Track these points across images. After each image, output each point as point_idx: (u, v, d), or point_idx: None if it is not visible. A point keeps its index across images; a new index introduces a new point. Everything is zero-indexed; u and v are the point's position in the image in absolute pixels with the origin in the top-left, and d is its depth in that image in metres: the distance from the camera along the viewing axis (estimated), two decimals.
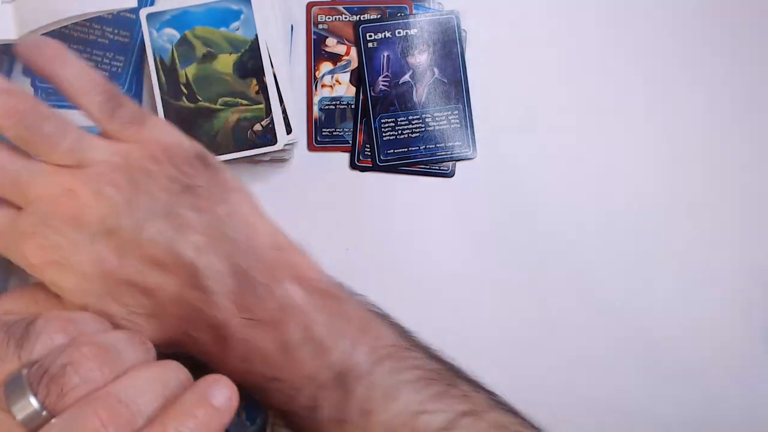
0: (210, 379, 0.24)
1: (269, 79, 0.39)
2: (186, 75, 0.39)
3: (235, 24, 0.39)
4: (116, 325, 0.30)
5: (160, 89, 0.39)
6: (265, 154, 0.40)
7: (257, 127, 0.39)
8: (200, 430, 0.22)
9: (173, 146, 0.32)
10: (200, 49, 0.39)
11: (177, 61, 0.39)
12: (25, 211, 0.30)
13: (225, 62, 0.39)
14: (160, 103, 0.39)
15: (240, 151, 0.39)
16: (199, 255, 0.30)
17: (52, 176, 0.30)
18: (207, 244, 0.30)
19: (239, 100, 0.39)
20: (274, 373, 0.30)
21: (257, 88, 0.39)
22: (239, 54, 0.39)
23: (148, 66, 0.39)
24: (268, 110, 0.39)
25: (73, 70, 0.31)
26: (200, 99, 0.39)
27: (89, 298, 0.30)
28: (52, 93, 0.42)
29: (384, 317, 0.32)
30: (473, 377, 0.33)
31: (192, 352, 0.31)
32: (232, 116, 0.39)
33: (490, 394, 0.32)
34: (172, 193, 0.31)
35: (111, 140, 0.32)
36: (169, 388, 0.24)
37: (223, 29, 0.39)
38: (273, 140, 0.39)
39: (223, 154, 0.39)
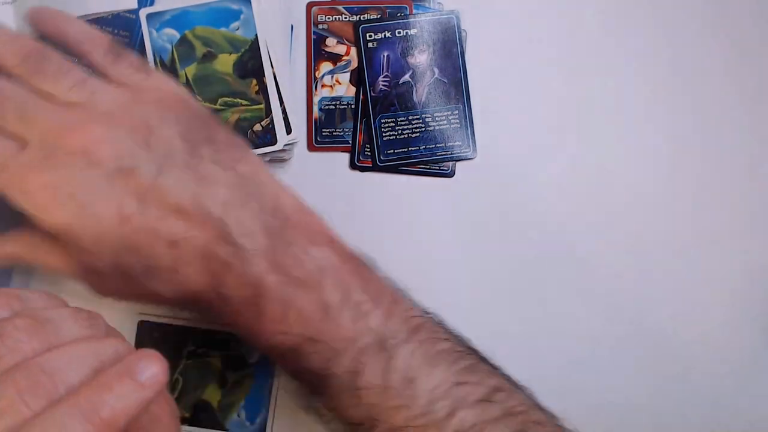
0: (141, 353, 0.23)
1: (269, 79, 0.39)
2: (186, 75, 0.39)
3: (235, 24, 0.39)
4: (131, 279, 0.28)
5: None
6: (265, 154, 0.40)
7: (257, 127, 0.39)
8: (117, 403, 0.22)
9: (186, 97, 0.31)
10: (200, 49, 0.39)
11: (177, 61, 0.39)
12: (30, 144, 0.28)
13: (225, 62, 0.39)
14: None
15: None
16: (226, 210, 0.29)
17: (59, 111, 0.29)
18: (234, 201, 0.29)
19: (239, 100, 0.39)
20: (313, 335, 0.29)
21: (257, 88, 0.39)
22: (239, 54, 0.39)
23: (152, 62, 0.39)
24: (268, 110, 0.39)
25: (77, 27, 0.31)
26: (200, 99, 0.39)
27: (102, 247, 0.28)
28: None
29: (407, 293, 0.32)
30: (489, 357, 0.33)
31: (219, 315, 0.30)
32: (232, 116, 0.39)
33: (506, 375, 0.32)
34: (191, 143, 0.29)
35: (117, 85, 0.31)
36: (103, 362, 0.23)
37: (223, 29, 0.39)
38: (273, 140, 0.39)
39: None
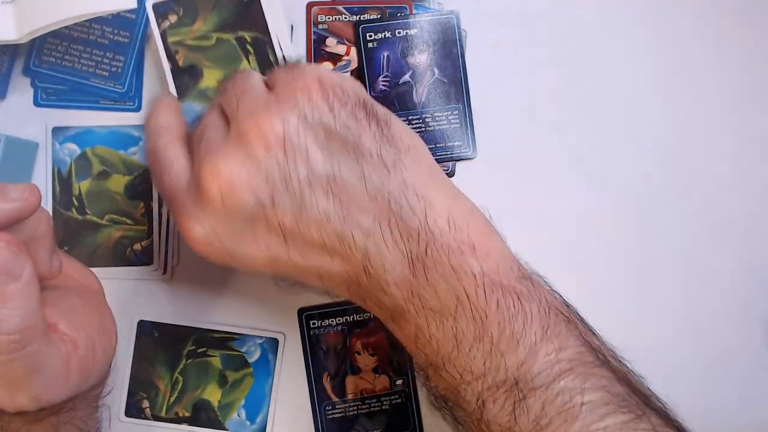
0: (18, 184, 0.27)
1: (155, 205, 0.41)
2: (80, 188, 0.41)
3: (133, 149, 0.41)
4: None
5: (53, 198, 0.41)
6: None
7: (137, 246, 0.41)
8: None
9: (334, 86, 0.29)
10: (97, 167, 0.42)
11: (74, 174, 0.41)
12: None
13: (118, 182, 0.41)
14: (51, 211, 0.41)
15: (116, 267, 0.41)
16: (367, 240, 0.28)
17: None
18: (376, 227, 0.28)
19: (125, 219, 0.41)
20: (441, 363, 0.28)
21: (143, 210, 0.41)
22: (132, 177, 0.41)
23: (152, 63, 0.39)
24: (150, 233, 0.41)
25: None
26: (89, 212, 0.41)
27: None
28: (51, 93, 0.42)
29: (571, 320, 0.29)
30: (664, 406, 0.30)
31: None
32: (115, 233, 0.41)
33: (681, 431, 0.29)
34: (332, 152, 0.28)
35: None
36: None
37: (121, 152, 0.41)
38: (149, 261, 0.41)
39: (99, 267, 0.40)
